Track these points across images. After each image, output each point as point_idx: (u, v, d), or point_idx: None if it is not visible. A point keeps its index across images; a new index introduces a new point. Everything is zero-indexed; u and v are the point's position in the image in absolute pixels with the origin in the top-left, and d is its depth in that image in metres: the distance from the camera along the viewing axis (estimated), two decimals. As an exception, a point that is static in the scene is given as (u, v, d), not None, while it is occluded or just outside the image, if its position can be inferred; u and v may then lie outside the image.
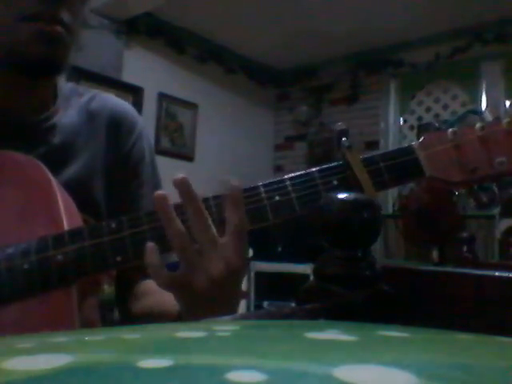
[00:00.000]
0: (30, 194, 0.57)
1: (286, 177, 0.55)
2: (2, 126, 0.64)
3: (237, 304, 0.58)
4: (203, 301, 0.52)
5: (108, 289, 0.76)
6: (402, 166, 0.55)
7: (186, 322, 0.56)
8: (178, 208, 0.52)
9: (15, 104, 0.66)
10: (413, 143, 0.56)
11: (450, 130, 0.55)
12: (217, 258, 0.51)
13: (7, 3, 0.59)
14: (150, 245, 0.52)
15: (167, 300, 0.67)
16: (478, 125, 0.55)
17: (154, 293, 0.72)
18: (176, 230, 0.51)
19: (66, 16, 0.60)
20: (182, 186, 0.52)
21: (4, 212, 0.56)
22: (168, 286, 0.53)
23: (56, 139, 0.68)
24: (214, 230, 0.52)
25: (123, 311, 0.75)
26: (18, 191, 0.58)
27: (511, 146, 0.54)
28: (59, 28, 0.60)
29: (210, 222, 0.52)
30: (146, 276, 0.73)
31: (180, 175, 0.52)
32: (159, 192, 0.52)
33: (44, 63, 0.61)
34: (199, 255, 0.52)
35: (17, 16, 0.59)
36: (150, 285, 0.73)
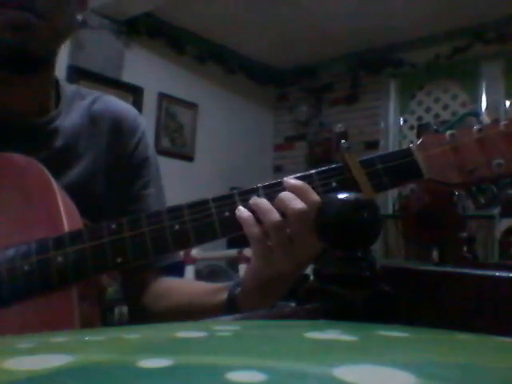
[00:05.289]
0: (30, 196, 0.57)
1: (285, 179, 0.55)
2: (2, 128, 0.64)
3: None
4: (265, 289, 0.56)
5: (108, 289, 0.75)
6: (400, 167, 0.55)
7: (239, 308, 0.59)
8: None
9: (12, 104, 0.65)
10: (411, 145, 0.56)
11: (448, 132, 0.55)
12: (287, 255, 0.53)
13: None
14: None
15: (201, 292, 0.67)
16: (476, 127, 0.55)
17: (181, 288, 0.71)
18: (254, 233, 0.53)
19: (39, 3, 0.58)
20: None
21: (4, 214, 0.56)
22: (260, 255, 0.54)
23: (58, 142, 0.67)
24: (285, 229, 0.53)
25: (139, 313, 0.73)
26: (18, 193, 0.57)
27: (509, 148, 0.54)
28: (27, 14, 0.57)
29: (280, 220, 0.53)
30: (157, 274, 0.72)
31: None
32: (241, 209, 0.54)
33: (16, 55, 0.59)
34: (271, 251, 0.54)
35: None
36: (171, 282, 0.72)
